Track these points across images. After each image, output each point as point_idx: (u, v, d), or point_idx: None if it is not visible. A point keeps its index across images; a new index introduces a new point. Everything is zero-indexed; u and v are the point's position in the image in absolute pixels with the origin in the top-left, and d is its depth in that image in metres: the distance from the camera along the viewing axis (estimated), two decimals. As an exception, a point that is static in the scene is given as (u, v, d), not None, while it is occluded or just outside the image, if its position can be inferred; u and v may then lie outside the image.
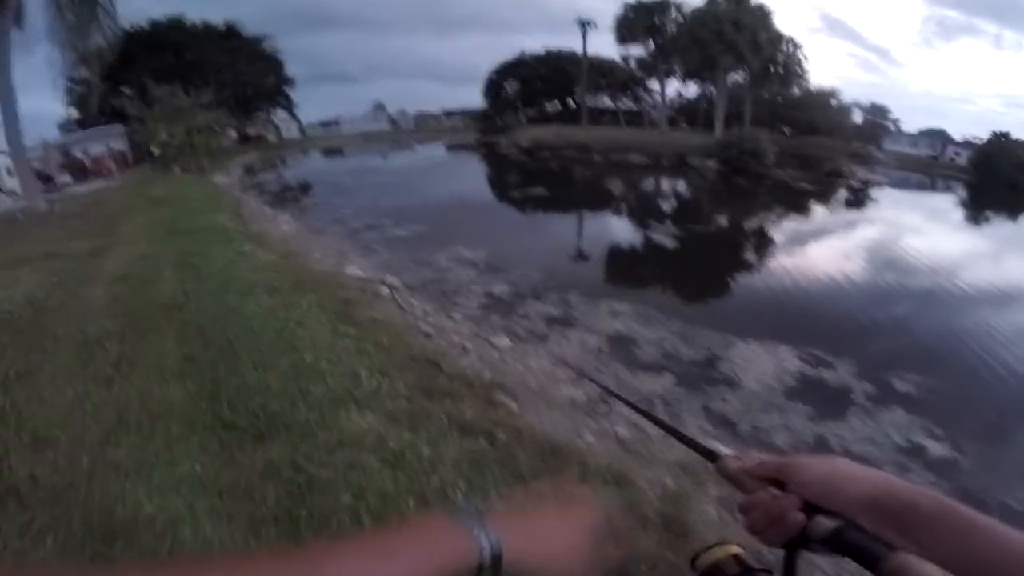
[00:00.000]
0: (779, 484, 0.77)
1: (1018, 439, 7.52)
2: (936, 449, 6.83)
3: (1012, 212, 32.08)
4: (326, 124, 58.02)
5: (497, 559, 0.68)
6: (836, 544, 0.69)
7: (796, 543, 0.74)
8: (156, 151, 26.29)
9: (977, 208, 33.23)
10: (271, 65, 49.81)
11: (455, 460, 3.91)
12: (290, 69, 51.87)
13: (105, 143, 30.15)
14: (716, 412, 7.19)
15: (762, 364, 8.72)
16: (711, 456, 0.89)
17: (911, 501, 0.69)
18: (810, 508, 0.73)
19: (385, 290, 9.84)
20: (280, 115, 52.92)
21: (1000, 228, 28.81)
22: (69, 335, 6.01)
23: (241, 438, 4.02)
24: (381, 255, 13.60)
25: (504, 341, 8.39)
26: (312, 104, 61.17)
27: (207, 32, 45.77)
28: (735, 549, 0.84)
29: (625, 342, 9.19)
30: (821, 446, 6.61)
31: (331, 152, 45.90)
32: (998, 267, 18.34)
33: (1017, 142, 44.01)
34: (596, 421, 5.68)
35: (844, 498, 0.72)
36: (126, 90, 28.93)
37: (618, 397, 1.38)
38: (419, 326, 8.19)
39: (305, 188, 25.29)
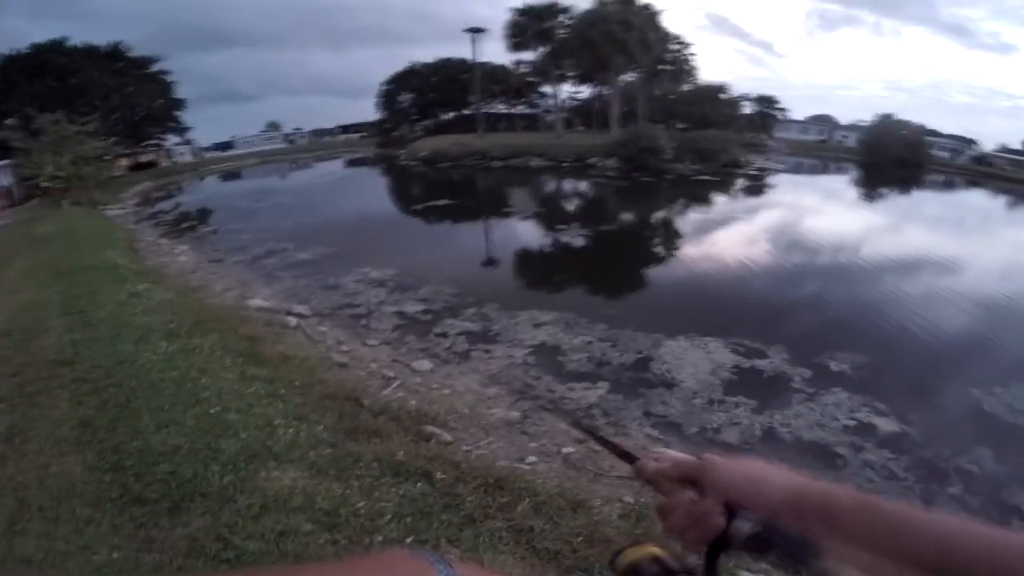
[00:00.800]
0: (696, 485, 0.78)
1: (953, 402, 7.85)
2: (884, 425, 7.01)
3: (903, 186, 34.26)
4: (221, 146, 56.06)
5: None
6: (760, 545, 0.70)
7: (717, 545, 0.74)
8: (44, 185, 24.78)
9: (870, 185, 35.46)
10: (160, 87, 48.05)
11: (395, 511, 3.72)
12: (181, 90, 50.22)
13: None
14: (659, 416, 7.18)
15: (695, 360, 8.80)
16: (629, 458, 0.92)
17: (828, 497, 0.70)
18: (729, 510, 0.73)
19: (293, 320, 9.51)
20: (172, 140, 50.96)
21: (894, 202, 31.04)
22: (-50, 409, 5.48)
23: (155, 512, 3.71)
24: (285, 282, 13.12)
25: (425, 364, 8.25)
26: (206, 126, 58.75)
27: (91, 55, 43.55)
28: (654, 550, 0.86)
29: (552, 352, 9.11)
30: (772, 439, 6.69)
31: (228, 175, 44.41)
32: (898, 238, 19.43)
33: (901, 122, 47.00)
34: (536, 440, 5.58)
35: (763, 499, 0.72)
36: (8, 121, 27.21)
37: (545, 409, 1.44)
38: (333, 357, 7.96)
39: (203, 215, 24.27)
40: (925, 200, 32.67)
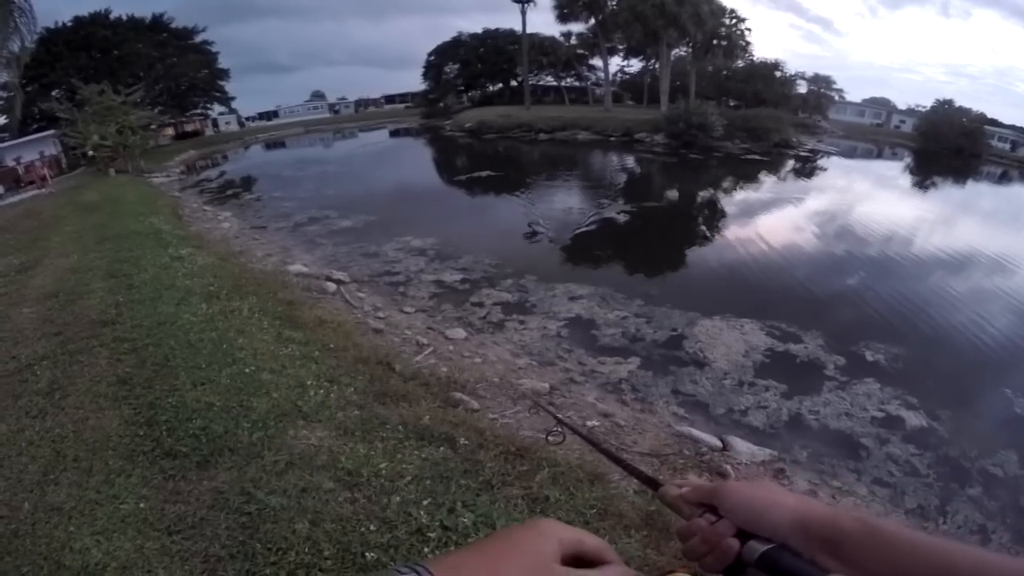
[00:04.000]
0: (714, 510, 0.79)
1: (986, 402, 7.60)
2: (912, 419, 6.84)
3: (958, 176, 32.99)
4: (265, 116, 56.65)
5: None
6: (769, 568, 0.70)
7: (734, 569, 0.74)
8: (90, 154, 25.31)
9: (924, 174, 34.01)
10: (203, 58, 48.50)
11: (415, 474, 3.76)
12: (223, 61, 50.36)
13: (38, 150, 28.68)
14: (687, 394, 7.09)
15: (729, 341, 8.67)
16: (653, 484, 0.93)
17: (834, 522, 0.71)
18: (744, 534, 0.74)
19: (332, 286, 9.59)
20: (217, 109, 51.57)
21: (947, 192, 29.52)
22: (-2, 363, 5.69)
23: (184, 466, 3.83)
24: (326, 249, 13.27)
25: (459, 333, 8.28)
26: (249, 96, 59.60)
27: (133, 26, 43.94)
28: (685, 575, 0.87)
29: (586, 326, 9.06)
30: (798, 425, 6.58)
31: (272, 144, 44.84)
32: (947, 231, 18.73)
33: (960, 109, 45.50)
34: (561, 412, 5.54)
35: (772, 523, 0.73)
36: (55, 93, 27.80)
37: (565, 424, 1.49)
38: (369, 323, 8.03)
39: (247, 183, 24.60)
40: (981, 192, 31.26)
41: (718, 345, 8.48)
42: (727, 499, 0.77)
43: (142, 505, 3.46)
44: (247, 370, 5.20)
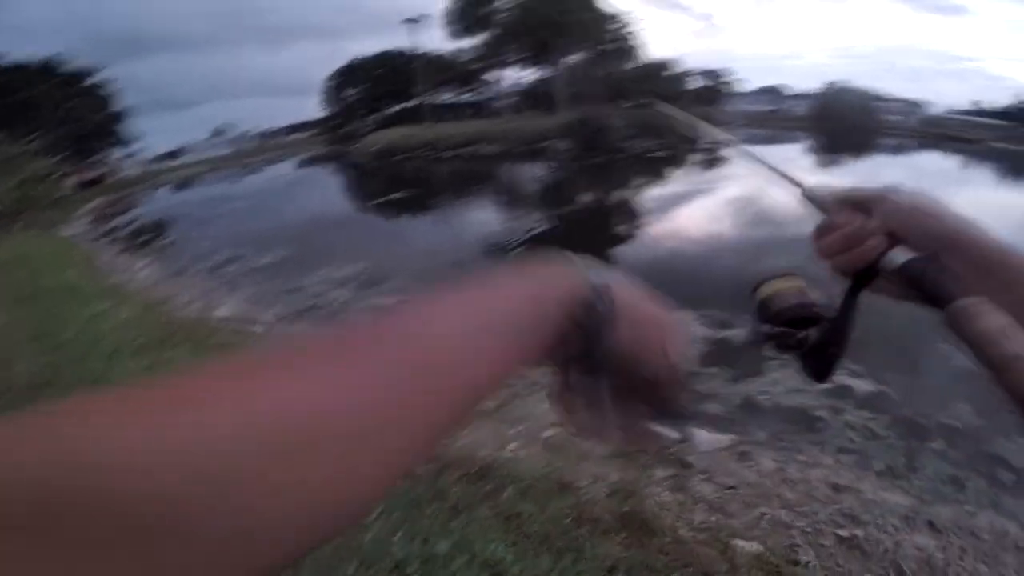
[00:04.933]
0: (866, 214, 0.76)
1: (927, 360, 7.84)
2: (862, 386, 7.02)
3: (855, 151, 34.93)
4: (170, 155, 55.26)
5: (607, 297, 0.57)
6: (912, 277, 0.68)
7: (865, 273, 0.74)
8: (-8, 211, 24.00)
9: (822, 152, 35.70)
10: (103, 99, 46.94)
11: (382, 508, 3.63)
12: (124, 101, 49.17)
13: None
14: None
15: None
16: (795, 183, 0.92)
17: (995, 251, 0.68)
18: (889, 241, 0.72)
19: (260, 327, 9.49)
20: (120, 152, 49.95)
21: (845, 167, 31.30)
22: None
23: None
24: (249, 288, 12.96)
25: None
26: (153, 136, 57.89)
27: (26, 69, 42.44)
28: (799, 283, 0.83)
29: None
30: (752, 407, 6.75)
31: (181, 185, 43.54)
32: None
33: (850, 89, 48.10)
34: (515, 427, 5.64)
35: (926, 233, 0.70)
36: None
37: None
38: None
39: (160, 227, 23.67)
40: (881, 163, 33.10)
41: (659, 341, 8.63)
42: (883, 202, 0.75)
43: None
44: None
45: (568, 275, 0.58)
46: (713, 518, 3.47)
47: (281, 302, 11.73)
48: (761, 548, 3.15)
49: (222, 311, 10.50)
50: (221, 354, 7.11)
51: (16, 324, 8.87)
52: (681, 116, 1.43)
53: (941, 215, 0.71)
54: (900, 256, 0.70)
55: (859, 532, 3.84)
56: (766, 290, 0.83)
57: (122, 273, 14.87)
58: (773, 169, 1.01)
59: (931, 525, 4.13)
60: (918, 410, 6.65)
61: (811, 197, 0.86)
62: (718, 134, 1.32)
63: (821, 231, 0.79)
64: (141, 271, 15.25)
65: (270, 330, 9.39)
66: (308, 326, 10.01)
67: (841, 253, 0.75)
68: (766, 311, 0.81)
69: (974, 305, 0.60)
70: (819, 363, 0.79)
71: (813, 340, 0.78)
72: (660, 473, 4.18)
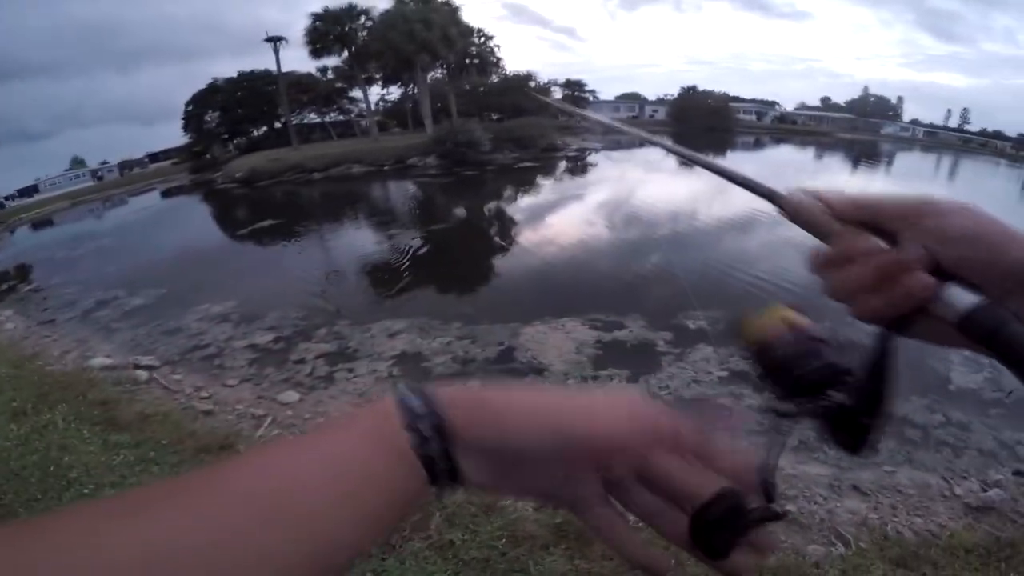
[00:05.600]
0: (885, 236, 0.56)
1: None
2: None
3: (715, 149, 37.25)
4: (25, 192, 51.43)
5: (439, 429, 0.51)
6: (981, 329, 0.48)
7: (904, 320, 0.54)
8: None
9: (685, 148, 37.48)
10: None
11: None
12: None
13: None
14: None
15: (557, 343, 9.19)
16: (770, 196, 0.66)
17: None
18: (937, 273, 0.52)
19: (143, 374, 9.16)
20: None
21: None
22: None
23: None
24: (125, 333, 12.46)
25: (292, 395, 8.21)
26: (4, 171, 53.89)
27: None
28: (788, 314, 0.63)
29: (414, 359, 9.30)
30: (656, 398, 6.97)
31: (39, 224, 40.64)
32: (725, 198, 20.62)
33: (705, 92, 51.40)
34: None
35: (995, 267, 0.50)
36: None
37: None
38: (196, 406, 7.75)
39: (21, 272, 21.89)
40: (739, 159, 35.23)
41: (548, 349, 9.01)
42: (924, 221, 0.54)
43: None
44: (85, 491, 4.95)
45: (380, 412, 0.52)
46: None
47: (160, 345, 11.37)
48: None
49: (99, 360, 10.04)
50: (102, 409, 6.91)
51: None
52: (602, 120, 1.36)
53: (1009, 238, 0.52)
54: (962, 296, 0.50)
55: (792, 507, 4.14)
56: (750, 333, 0.65)
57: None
58: (741, 180, 0.73)
59: (856, 489, 4.44)
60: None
61: (795, 213, 0.62)
62: (644, 135, 1.18)
63: (830, 262, 0.59)
64: (6, 323, 14.22)
65: (151, 376, 9.08)
66: (191, 369, 9.82)
67: (869, 293, 0.55)
68: (769, 361, 0.62)
69: None
70: (850, 433, 0.59)
71: (839, 406, 0.58)
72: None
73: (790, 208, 0.63)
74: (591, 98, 58.30)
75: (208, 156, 53.95)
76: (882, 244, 0.55)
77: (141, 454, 5.64)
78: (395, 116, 57.67)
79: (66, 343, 11.94)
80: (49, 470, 5.36)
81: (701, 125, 46.21)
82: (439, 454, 0.51)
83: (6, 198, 48.98)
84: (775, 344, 0.61)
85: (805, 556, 3.58)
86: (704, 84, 65.78)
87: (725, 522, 0.52)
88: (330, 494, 0.47)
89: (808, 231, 0.62)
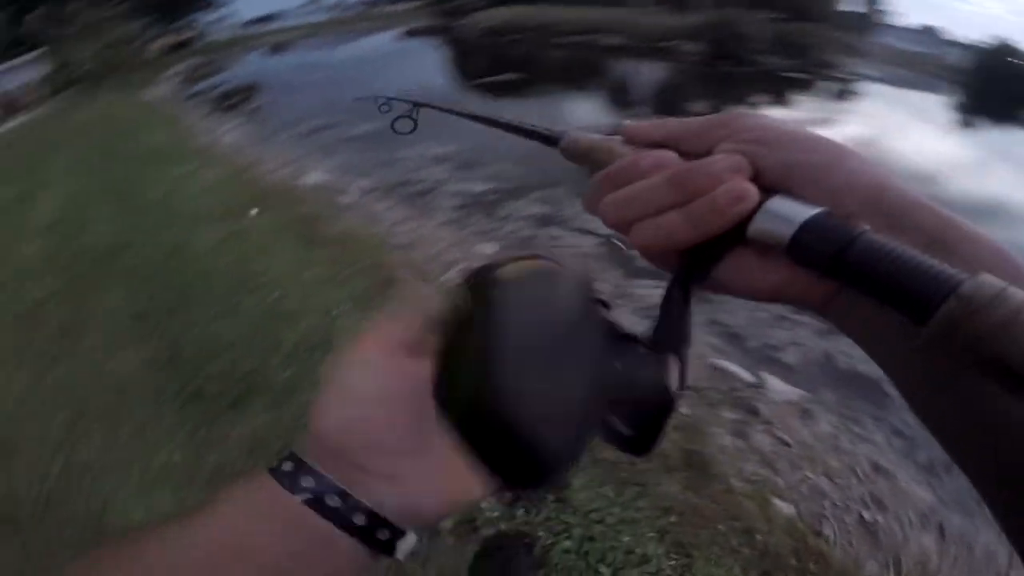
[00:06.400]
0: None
1: None
2: None
3: (1004, 120, 30.57)
4: (263, 20, 54.39)
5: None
6: (825, 248, 0.35)
7: (710, 252, 0.40)
8: (79, 73, 24.18)
9: (969, 112, 31.85)
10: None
11: None
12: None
13: (24, 74, 27.43)
14: (723, 325, 6.61)
15: None
16: (550, 140, 0.62)
17: (942, 216, 0.38)
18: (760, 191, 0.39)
19: (351, 198, 9.12)
20: (211, 15, 49.59)
21: (988, 136, 26.68)
22: (2, 305, 5.38)
23: (215, 410, 3.59)
24: (341, 157, 12.62)
25: (489, 248, 7.82)
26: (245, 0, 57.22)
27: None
28: (537, 263, 0.46)
29: (623, 244, 8.53)
30: (829, 366, 6.20)
31: (274, 49, 42.98)
32: (980, 178, 17.43)
33: (1017, 50, 42.69)
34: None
35: (831, 177, 0.39)
36: (36, 12, 26.35)
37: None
38: (394, 237, 7.55)
39: (249, 91, 23.18)
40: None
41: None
42: (753, 122, 0.43)
43: (176, 457, 3.29)
44: (270, 298, 4.87)
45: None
46: (763, 471, 3.43)
47: (374, 174, 11.22)
48: (794, 512, 3.15)
49: (311, 179, 10.14)
50: (305, 224, 6.84)
51: (97, 187, 8.82)
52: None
53: (842, 149, 0.40)
54: (798, 210, 0.36)
55: (880, 518, 3.86)
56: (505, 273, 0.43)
57: (208, 136, 14.63)
58: (501, 124, 0.70)
59: (940, 529, 4.14)
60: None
61: (572, 152, 0.53)
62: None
63: (607, 180, 0.46)
64: (229, 134, 15.07)
65: (358, 201, 9.07)
66: (399, 200, 9.64)
67: (659, 214, 0.40)
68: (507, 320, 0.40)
69: (987, 284, 0.29)
70: (636, 422, 0.41)
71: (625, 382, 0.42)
72: (727, 415, 4.06)
73: (572, 147, 0.55)
74: (886, 20, 51.22)
75: (453, 3, 53.98)
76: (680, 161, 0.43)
77: (333, 272, 5.53)
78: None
79: (283, 158, 12.22)
80: (241, 272, 5.40)
81: (998, 87, 37.80)
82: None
83: (243, 24, 51.70)
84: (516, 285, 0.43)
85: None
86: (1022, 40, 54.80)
87: None
88: None
89: (588, 164, 0.52)
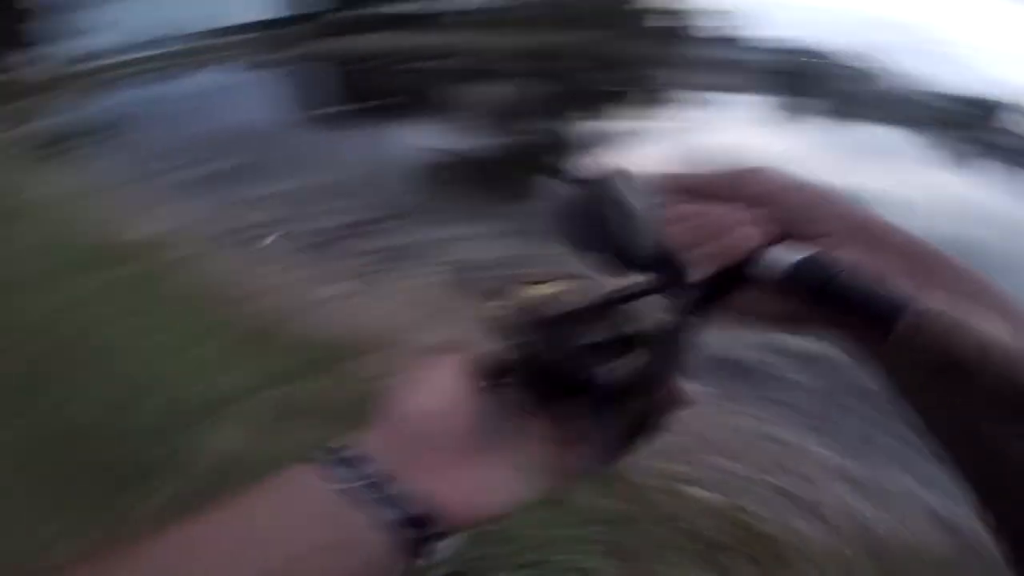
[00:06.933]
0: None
1: None
2: (797, 343, 7.07)
3: (821, 115, 31.98)
4: (97, 55, 51.70)
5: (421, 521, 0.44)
6: (811, 280, 0.42)
7: (724, 280, 0.47)
8: None
9: (786, 110, 33.25)
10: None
11: None
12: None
13: None
14: None
15: None
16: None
17: (929, 250, 0.43)
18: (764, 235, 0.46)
19: (196, 247, 8.76)
20: (37, 52, 46.81)
21: (805, 131, 27.93)
22: None
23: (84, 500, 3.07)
24: (191, 199, 11.45)
25: (344, 286, 7.61)
26: (75, 35, 54.33)
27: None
28: (560, 286, 0.52)
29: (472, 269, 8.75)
30: (699, 356, 6.55)
31: (110, 86, 40.75)
32: (807, 170, 18.86)
33: (827, 50, 45.04)
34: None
35: (826, 223, 0.45)
36: None
37: None
38: (247, 285, 7.04)
39: (85, 133, 21.76)
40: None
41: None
42: (753, 181, 0.48)
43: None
44: (120, 369, 4.48)
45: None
46: (663, 464, 3.47)
47: (227, 215, 10.78)
48: (708, 495, 3.30)
49: (153, 227, 9.71)
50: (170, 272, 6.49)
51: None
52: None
53: (831, 198, 0.47)
54: (791, 249, 0.43)
55: (789, 482, 4.07)
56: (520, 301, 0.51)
57: (40, 187, 13.60)
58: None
59: (847, 477, 4.41)
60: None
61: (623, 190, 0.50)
62: None
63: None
64: (56, 184, 14.03)
65: (218, 245, 8.66)
66: (258, 242, 9.26)
67: (696, 247, 0.47)
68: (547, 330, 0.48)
69: (932, 315, 0.38)
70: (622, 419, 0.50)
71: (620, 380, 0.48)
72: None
73: (617, 182, 0.53)
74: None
75: (294, 33, 53.14)
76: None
77: (186, 333, 4.95)
78: (484, 12, 55.24)
79: (124, 205, 11.35)
80: (83, 342, 4.85)
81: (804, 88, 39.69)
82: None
83: (75, 60, 49.19)
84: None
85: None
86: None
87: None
88: None
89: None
